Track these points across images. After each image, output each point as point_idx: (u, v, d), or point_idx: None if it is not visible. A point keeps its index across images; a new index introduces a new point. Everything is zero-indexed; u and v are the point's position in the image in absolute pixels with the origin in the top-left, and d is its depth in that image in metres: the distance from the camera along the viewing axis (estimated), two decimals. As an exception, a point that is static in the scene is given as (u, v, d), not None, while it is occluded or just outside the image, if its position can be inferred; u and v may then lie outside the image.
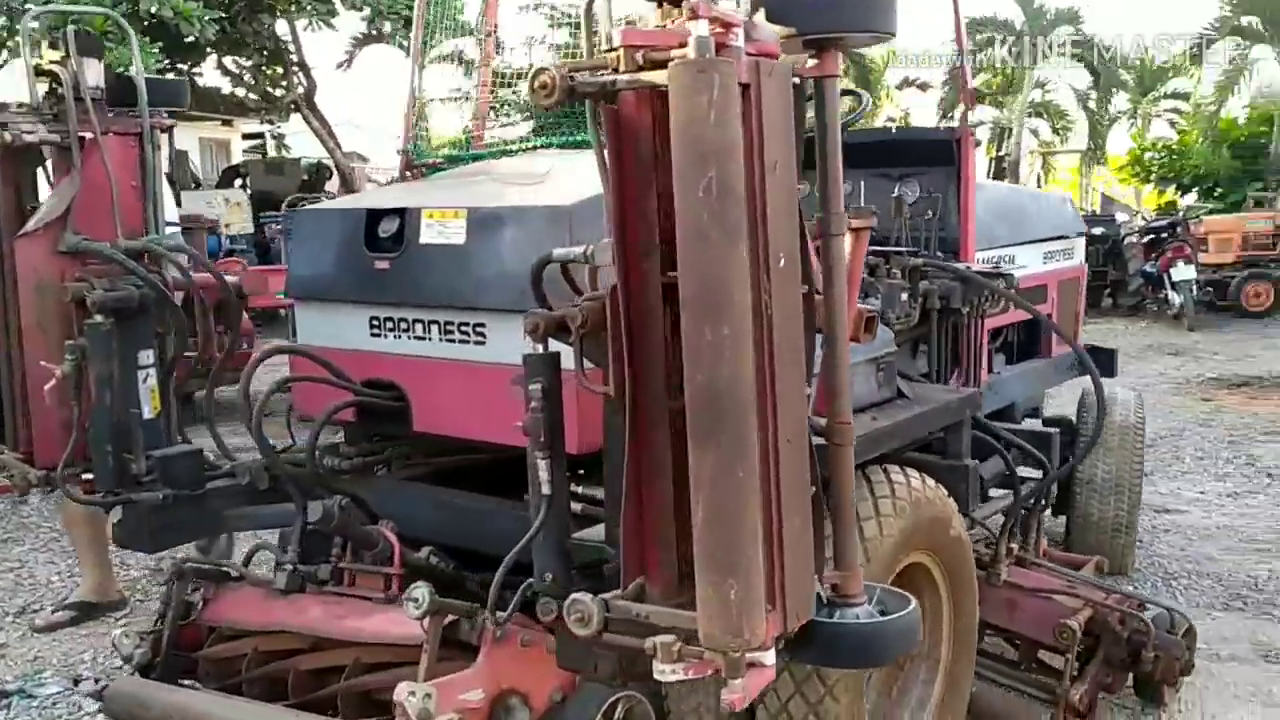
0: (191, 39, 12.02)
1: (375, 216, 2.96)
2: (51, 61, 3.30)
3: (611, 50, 1.82)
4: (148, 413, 3.30)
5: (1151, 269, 14.25)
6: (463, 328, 2.82)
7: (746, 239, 1.72)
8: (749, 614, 1.74)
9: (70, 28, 3.60)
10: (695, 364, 1.72)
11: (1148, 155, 20.84)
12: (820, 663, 2.28)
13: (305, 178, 16.80)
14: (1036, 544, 3.80)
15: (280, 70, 15.92)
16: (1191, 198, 18.99)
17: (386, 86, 12.52)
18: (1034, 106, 23.90)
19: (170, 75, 12.19)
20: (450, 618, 2.42)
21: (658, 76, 1.73)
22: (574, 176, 2.90)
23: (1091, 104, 23.79)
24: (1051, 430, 3.93)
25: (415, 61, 3.53)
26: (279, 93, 16.38)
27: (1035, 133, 25.32)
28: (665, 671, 1.86)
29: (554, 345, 2.15)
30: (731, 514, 1.72)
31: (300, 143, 19.28)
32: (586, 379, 2.07)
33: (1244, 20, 18.38)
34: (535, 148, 3.41)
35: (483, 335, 2.78)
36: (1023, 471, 3.60)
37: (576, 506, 2.56)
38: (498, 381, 2.70)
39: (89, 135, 3.30)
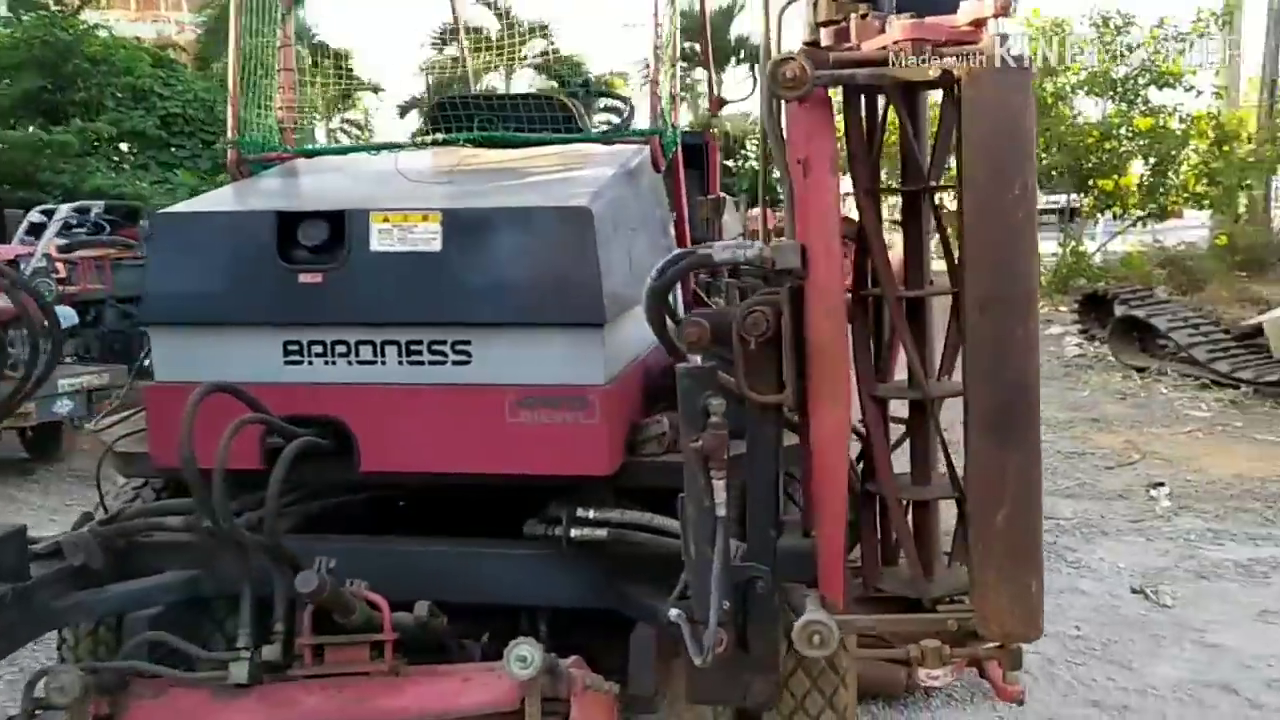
0: None
1: (291, 220, 2.44)
2: None
3: (874, 45, 1.75)
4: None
5: None
6: (436, 347, 2.44)
7: (1027, 243, 1.77)
8: (1041, 608, 1.80)
9: None
10: (1000, 365, 1.73)
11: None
12: None
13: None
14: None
15: None
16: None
17: None
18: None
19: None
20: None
21: (965, 70, 1.69)
22: (557, 175, 2.63)
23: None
24: None
25: (235, 44, 2.88)
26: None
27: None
28: (928, 676, 1.85)
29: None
30: (1033, 513, 1.77)
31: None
32: (752, 390, 1.96)
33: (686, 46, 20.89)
34: (435, 143, 2.99)
35: (466, 354, 2.43)
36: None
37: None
38: (487, 405, 2.42)
39: None
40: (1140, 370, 10.35)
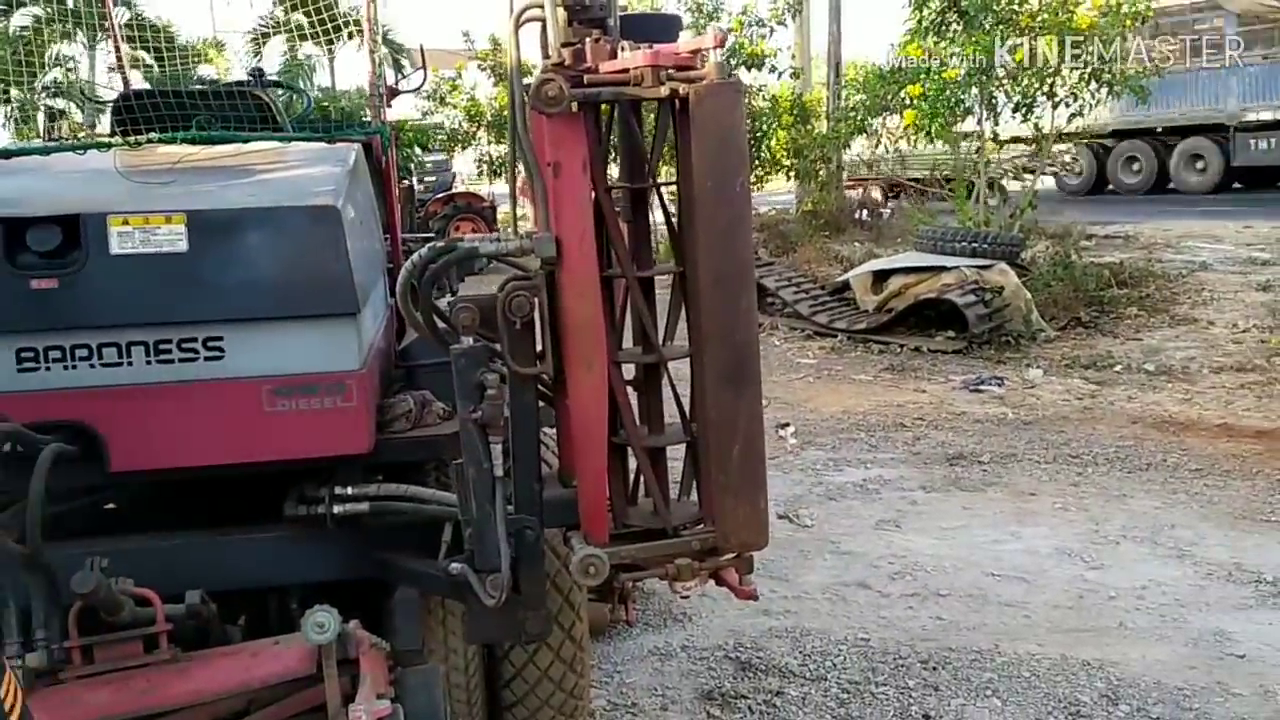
0: None
1: (18, 225, 2.38)
2: None
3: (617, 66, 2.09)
4: None
5: None
6: (187, 345, 2.49)
7: (739, 230, 2.20)
8: (768, 522, 2.26)
9: None
10: (731, 329, 2.15)
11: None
12: None
13: None
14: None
15: None
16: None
17: None
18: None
19: None
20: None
21: (691, 90, 2.06)
22: (292, 172, 2.71)
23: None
24: None
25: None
26: None
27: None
28: (686, 589, 2.26)
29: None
30: (759, 445, 2.21)
31: None
32: (515, 364, 2.26)
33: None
34: (151, 141, 2.90)
35: (219, 349, 2.50)
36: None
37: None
38: (243, 397, 2.53)
39: None
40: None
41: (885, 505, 5.91)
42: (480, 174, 21.83)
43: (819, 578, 4.90)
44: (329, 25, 4.84)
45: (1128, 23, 11.83)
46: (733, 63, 18.45)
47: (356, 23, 4.09)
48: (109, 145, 2.90)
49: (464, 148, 22.53)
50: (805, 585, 4.81)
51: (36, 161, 2.88)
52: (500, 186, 23.52)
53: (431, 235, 6.65)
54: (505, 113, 21.23)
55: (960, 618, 4.46)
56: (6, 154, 2.85)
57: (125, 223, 2.43)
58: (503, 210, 21.74)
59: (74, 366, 2.45)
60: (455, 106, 21.96)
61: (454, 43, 21.11)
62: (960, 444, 7.03)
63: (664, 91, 2.10)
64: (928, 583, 4.81)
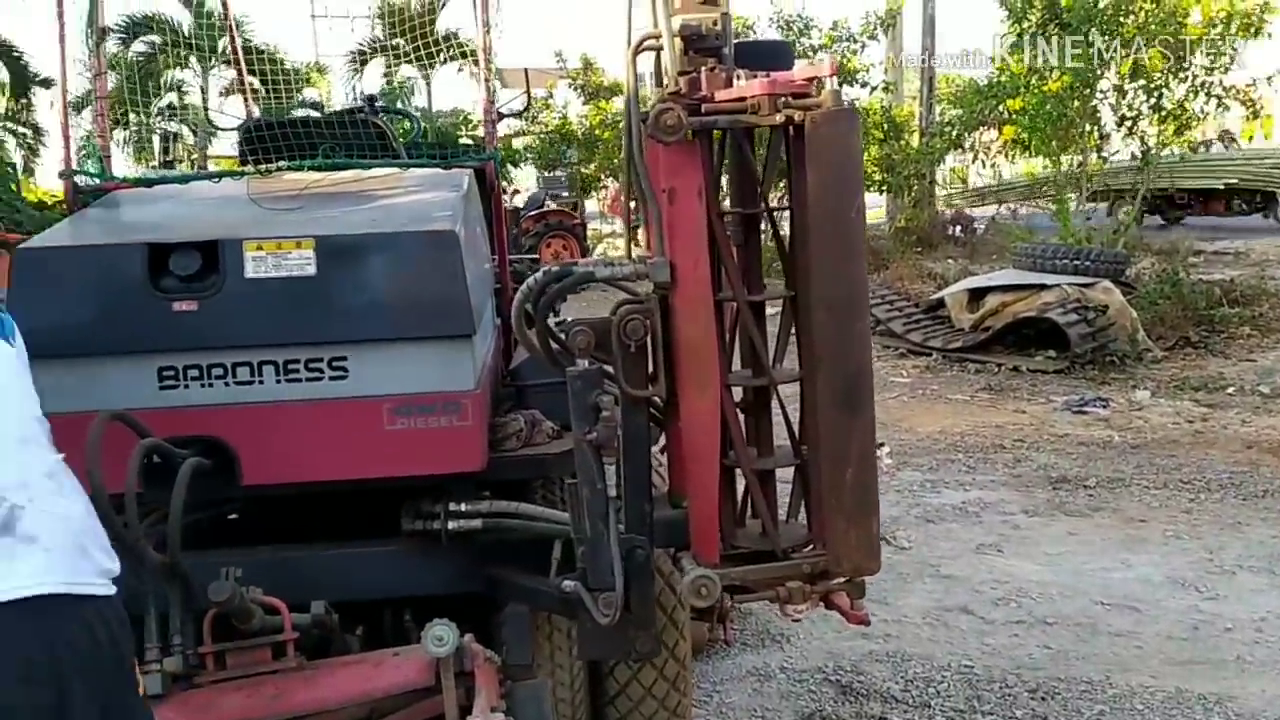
0: None
1: (162, 251, 2.52)
2: None
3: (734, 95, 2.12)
4: None
5: None
6: (314, 365, 2.59)
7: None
8: (879, 545, 2.26)
9: None
10: (845, 354, 2.17)
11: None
12: None
13: None
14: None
15: None
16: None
17: None
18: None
19: None
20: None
21: (807, 116, 2.09)
22: (411, 198, 2.81)
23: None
24: None
25: (63, 64, 2.83)
26: None
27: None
28: (798, 612, 2.27)
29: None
30: (872, 469, 2.22)
31: None
32: (629, 386, 2.30)
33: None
34: (280, 169, 3.05)
35: (343, 369, 2.60)
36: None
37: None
38: (365, 415, 2.62)
39: None
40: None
41: (986, 529, 5.82)
42: (570, 192, 22.08)
43: (919, 601, 4.84)
44: (430, 48, 4.99)
45: (1240, 34, 11.49)
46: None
47: (460, 47, 4.20)
48: (242, 174, 3.04)
49: (554, 168, 22.85)
50: (905, 609, 4.75)
51: (174, 189, 3.03)
52: (591, 205, 23.80)
53: (536, 258, 6.77)
54: (595, 131, 21.54)
55: (1069, 647, 4.36)
56: (149, 182, 3.01)
57: (259, 248, 2.54)
58: (592, 227, 22.00)
59: (210, 385, 2.57)
60: (547, 125, 22.29)
61: (544, 60, 21.46)
62: (1064, 467, 6.87)
63: (779, 118, 2.13)
64: (1033, 610, 4.72)
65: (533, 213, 19.16)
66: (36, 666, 1.68)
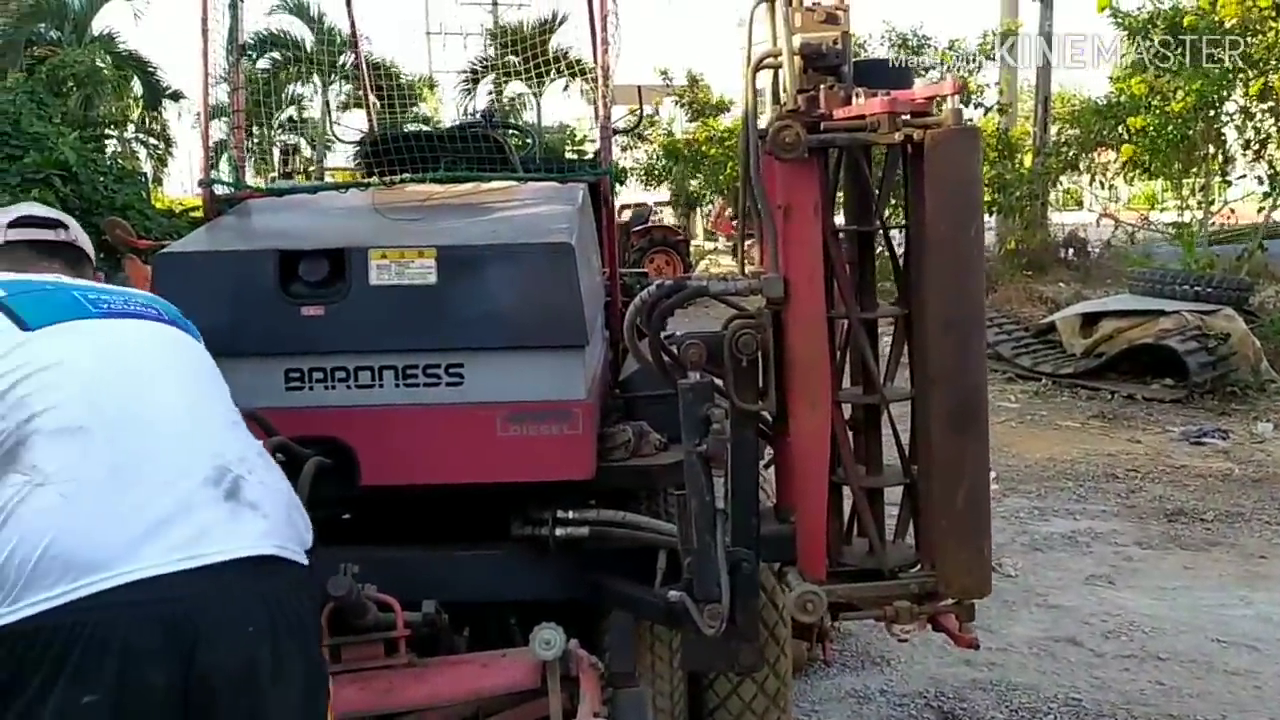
0: None
1: (292, 258, 2.63)
2: None
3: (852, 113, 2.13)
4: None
5: None
6: (431, 371, 2.67)
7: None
8: (991, 569, 2.23)
9: None
10: (961, 373, 2.15)
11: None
12: None
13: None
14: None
15: None
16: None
17: None
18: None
19: None
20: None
21: (927, 135, 2.09)
22: (529, 211, 2.89)
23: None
24: None
25: (205, 79, 2.99)
26: None
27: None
28: (905, 632, 2.25)
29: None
30: (984, 488, 2.19)
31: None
32: (739, 400, 2.32)
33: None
34: (402, 181, 3.18)
35: (459, 376, 2.67)
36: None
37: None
38: (480, 421, 2.68)
39: None
40: (954, 367, 11.31)
41: (1096, 559, 5.65)
42: (675, 207, 22.21)
43: (1025, 630, 4.73)
44: (542, 66, 5.08)
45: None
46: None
47: (571, 65, 4.27)
48: (366, 185, 3.16)
49: (659, 183, 23.00)
50: (1010, 637, 4.64)
51: (304, 199, 3.16)
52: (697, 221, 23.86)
53: (644, 271, 6.85)
54: (703, 148, 21.62)
55: (1183, 684, 4.21)
56: (279, 192, 3.15)
57: (384, 257, 2.63)
58: (694, 243, 22.05)
59: (333, 387, 2.67)
60: (653, 142, 22.46)
61: (647, 77, 21.62)
62: (1180, 499, 6.64)
63: (898, 137, 2.13)
64: (1145, 644, 4.56)
65: (638, 228, 19.35)
66: (258, 619, 1.76)
